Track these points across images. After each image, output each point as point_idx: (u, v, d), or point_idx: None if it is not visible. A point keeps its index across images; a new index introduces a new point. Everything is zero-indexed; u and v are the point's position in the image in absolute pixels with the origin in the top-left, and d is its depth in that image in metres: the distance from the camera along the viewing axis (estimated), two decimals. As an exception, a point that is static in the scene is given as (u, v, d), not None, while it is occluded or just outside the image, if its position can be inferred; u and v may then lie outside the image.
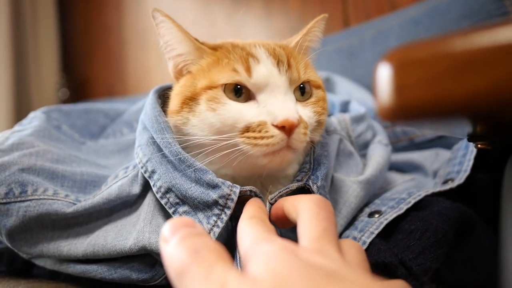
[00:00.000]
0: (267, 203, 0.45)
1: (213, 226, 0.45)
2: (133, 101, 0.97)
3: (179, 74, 0.54)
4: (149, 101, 0.55)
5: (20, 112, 2.05)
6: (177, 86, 0.53)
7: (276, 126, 0.44)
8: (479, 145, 0.39)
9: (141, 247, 0.46)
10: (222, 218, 0.45)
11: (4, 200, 0.50)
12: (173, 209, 0.48)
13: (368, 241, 0.48)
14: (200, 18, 1.89)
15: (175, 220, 0.32)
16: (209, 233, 0.45)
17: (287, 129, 0.44)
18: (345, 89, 0.95)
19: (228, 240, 0.48)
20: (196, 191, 0.46)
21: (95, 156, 0.68)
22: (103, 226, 0.52)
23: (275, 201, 0.44)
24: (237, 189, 0.45)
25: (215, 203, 0.45)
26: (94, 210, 0.52)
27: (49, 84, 2.27)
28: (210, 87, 0.48)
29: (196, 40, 0.52)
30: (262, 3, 1.58)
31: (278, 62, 0.48)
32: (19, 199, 0.51)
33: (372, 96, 0.91)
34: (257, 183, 0.52)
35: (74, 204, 0.52)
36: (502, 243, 0.30)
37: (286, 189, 0.46)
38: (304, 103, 0.50)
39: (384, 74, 0.23)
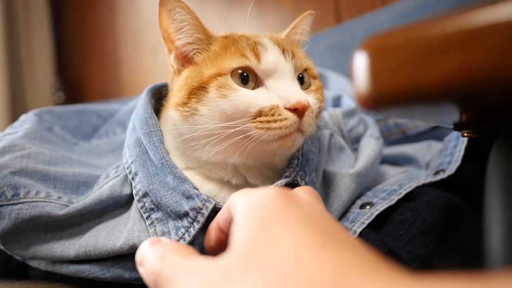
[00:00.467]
0: None
1: (180, 238, 0.45)
2: (128, 102, 0.97)
3: (182, 65, 0.53)
4: (141, 101, 0.55)
5: (15, 117, 2.01)
6: (180, 78, 0.52)
7: (289, 109, 0.45)
8: (465, 134, 0.39)
9: (131, 245, 0.46)
10: (190, 232, 0.45)
11: None
12: (147, 214, 0.48)
13: (359, 231, 0.48)
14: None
15: (144, 244, 0.34)
16: None
17: (299, 111, 0.45)
18: (338, 84, 0.95)
19: None
20: (170, 199, 0.46)
21: (88, 156, 0.68)
22: (95, 226, 0.52)
23: None
24: (210, 204, 0.45)
25: (186, 214, 0.45)
26: (86, 211, 0.52)
27: (44, 88, 2.27)
28: (219, 74, 0.48)
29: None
30: (255, 2, 1.58)
31: (283, 51, 0.50)
32: (11, 202, 0.51)
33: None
34: (257, 174, 0.52)
35: (67, 206, 0.52)
36: (486, 228, 0.30)
37: (275, 186, 0.46)
38: (306, 91, 0.52)
39: (361, 62, 0.24)
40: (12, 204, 0.51)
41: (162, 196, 0.46)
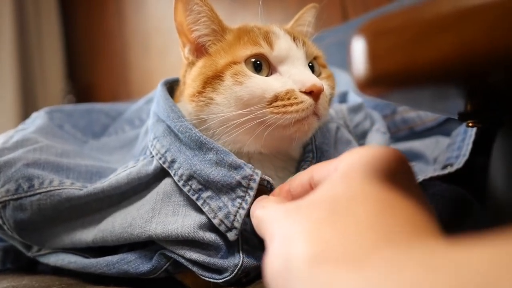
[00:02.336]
0: None
1: (239, 208, 0.45)
2: (136, 101, 0.98)
3: (196, 57, 0.54)
4: (160, 93, 0.55)
5: (27, 119, 2.08)
6: (194, 69, 0.53)
7: (305, 92, 0.46)
8: (470, 123, 0.39)
9: (147, 236, 0.47)
10: (246, 200, 0.45)
11: (16, 196, 0.52)
12: (196, 195, 0.48)
13: None
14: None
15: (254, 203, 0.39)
16: (235, 215, 0.45)
17: (315, 93, 0.46)
18: (344, 80, 0.95)
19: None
20: (218, 174, 0.46)
21: (98, 153, 0.69)
22: (113, 213, 0.52)
23: None
24: (257, 175, 0.46)
25: (238, 184, 0.46)
26: (104, 196, 0.52)
27: (55, 92, 2.31)
28: (234, 62, 0.49)
29: None
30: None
31: (294, 39, 0.51)
32: (28, 193, 0.52)
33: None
34: (270, 165, 0.53)
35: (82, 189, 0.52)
36: (492, 216, 0.30)
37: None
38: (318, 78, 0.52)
39: (358, 46, 0.24)
40: (30, 196, 0.52)
41: (209, 174, 0.46)
